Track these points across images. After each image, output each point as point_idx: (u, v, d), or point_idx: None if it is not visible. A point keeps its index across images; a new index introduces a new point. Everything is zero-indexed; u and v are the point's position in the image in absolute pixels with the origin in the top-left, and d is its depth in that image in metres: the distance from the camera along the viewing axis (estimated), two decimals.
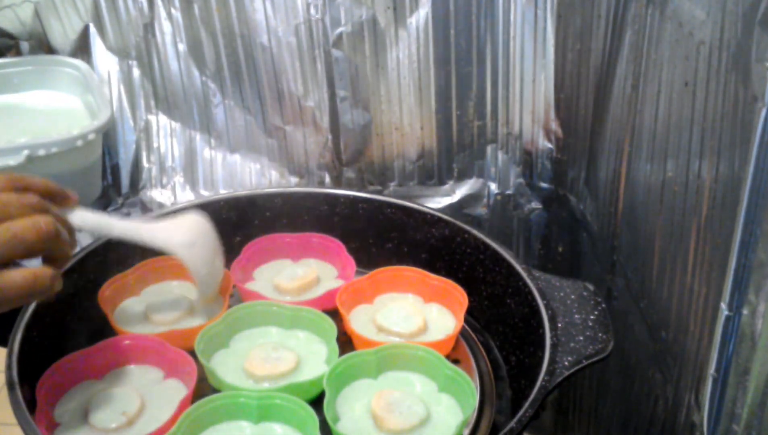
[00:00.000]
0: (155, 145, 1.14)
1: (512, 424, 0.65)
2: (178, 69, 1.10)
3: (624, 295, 0.91)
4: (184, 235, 0.78)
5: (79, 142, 0.84)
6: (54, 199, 0.64)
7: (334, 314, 0.83)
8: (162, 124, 1.13)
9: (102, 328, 0.81)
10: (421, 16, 1.04)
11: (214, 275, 0.81)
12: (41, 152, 0.81)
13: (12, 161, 0.81)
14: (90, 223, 0.70)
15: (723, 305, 0.60)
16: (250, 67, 1.09)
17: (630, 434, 0.92)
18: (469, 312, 0.86)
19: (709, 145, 0.64)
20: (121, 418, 0.70)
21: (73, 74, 1.05)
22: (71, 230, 0.66)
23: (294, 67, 1.08)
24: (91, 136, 0.85)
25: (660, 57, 0.75)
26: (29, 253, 0.58)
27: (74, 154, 0.84)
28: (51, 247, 0.60)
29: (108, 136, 1.12)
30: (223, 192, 1.14)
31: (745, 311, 0.59)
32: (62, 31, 1.08)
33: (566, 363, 0.72)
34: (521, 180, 1.14)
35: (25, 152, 0.81)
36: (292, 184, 1.15)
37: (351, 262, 0.91)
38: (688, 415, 0.72)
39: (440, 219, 0.93)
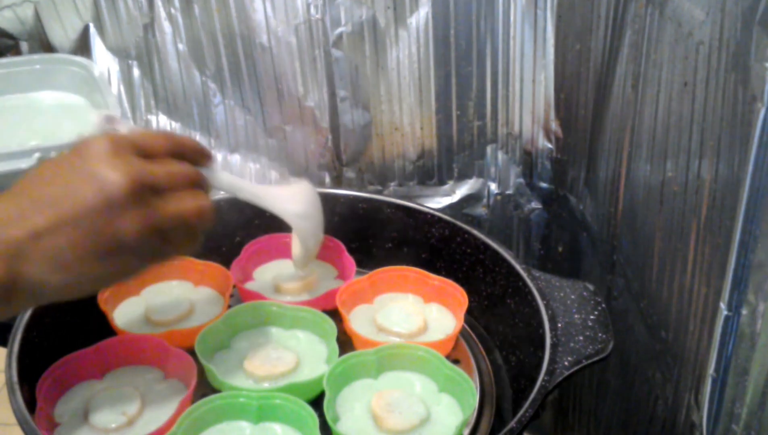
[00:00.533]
0: None
1: (512, 424, 0.65)
2: (178, 69, 1.10)
3: (624, 295, 0.91)
4: (301, 206, 0.80)
5: None
6: (198, 158, 0.65)
7: (334, 314, 0.83)
8: (162, 123, 1.13)
9: (102, 328, 0.81)
10: (421, 16, 1.04)
11: (317, 245, 0.83)
12: (52, 154, 0.81)
13: (23, 164, 0.80)
14: (225, 183, 0.72)
15: (722, 305, 0.60)
16: (250, 67, 1.09)
17: (630, 434, 0.92)
18: (469, 312, 0.86)
19: (709, 145, 0.64)
20: (121, 418, 0.70)
21: (79, 73, 1.05)
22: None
23: (294, 67, 1.08)
24: None
25: (659, 57, 0.75)
26: (186, 234, 0.61)
27: None
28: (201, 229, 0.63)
29: None
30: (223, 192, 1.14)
31: (744, 311, 0.59)
32: (62, 31, 1.08)
33: (566, 363, 0.72)
34: (521, 180, 1.14)
35: (36, 155, 0.81)
36: None
37: (351, 262, 0.91)
38: (687, 414, 0.72)
39: (440, 219, 0.93)
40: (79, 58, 1.06)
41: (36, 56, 1.07)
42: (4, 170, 0.80)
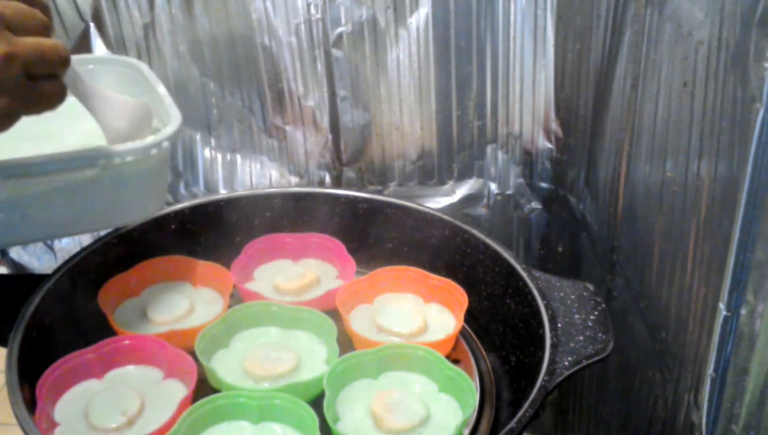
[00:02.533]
0: None
1: (512, 424, 0.65)
2: (179, 69, 1.10)
3: (624, 295, 0.91)
4: (124, 123, 0.78)
5: (154, 151, 0.81)
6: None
7: (334, 314, 0.83)
8: None
9: (102, 328, 0.81)
10: (421, 16, 1.04)
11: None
12: (116, 160, 0.79)
13: (88, 171, 0.79)
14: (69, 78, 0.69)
15: (721, 305, 0.60)
16: (251, 67, 1.09)
17: (630, 434, 0.92)
18: (469, 312, 0.86)
19: (708, 145, 0.64)
20: (121, 418, 0.70)
21: (127, 73, 1.01)
22: None
23: (294, 67, 1.08)
24: (165, 144, 0.82)
25: (659, 57, 0.75)
26: (47, 72, 0.62)
27: (148, 161, 0.81)
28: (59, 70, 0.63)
29: None
30: (223, 192, 1.14)
31: (743, 311, 0.59)
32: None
33: (566, 363, 0.72)
34: (521, 180, 1.14)
35: (101, 161, 0.79)
36: (292, 184, 1.15)
37: (351, 262, 0.91)
38: (687, 414, 0.72)
39: (440, 219, 0.93)
40: (129, 59, 1.03)
41: (87, 56, 1.04)
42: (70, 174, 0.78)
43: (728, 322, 0.60)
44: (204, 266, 0.90)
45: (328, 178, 1.15)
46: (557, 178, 1.12)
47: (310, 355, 0.80)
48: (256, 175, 1.15)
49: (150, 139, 0.80)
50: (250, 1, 1.04)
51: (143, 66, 1.00)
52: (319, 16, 1.04)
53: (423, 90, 1.08)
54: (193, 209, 0.95)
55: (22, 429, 0.65)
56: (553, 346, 0.73)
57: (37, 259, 1.18)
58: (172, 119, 0.83)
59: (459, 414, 0.73)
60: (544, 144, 1.11)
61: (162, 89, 0.93)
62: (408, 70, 1.07)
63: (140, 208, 0.86)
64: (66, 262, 0.83)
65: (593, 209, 1.02)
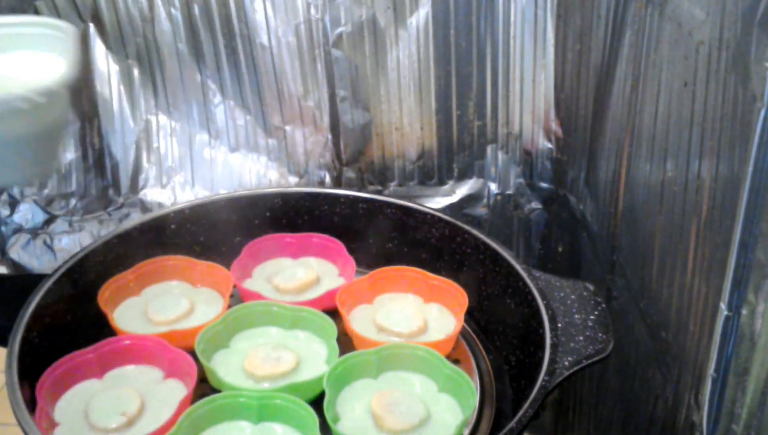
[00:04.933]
0: (155, 145, 1.14)
1: (512, 424, 0.65)
2: (178, 69, 1.10)
3: (624, 295, 0.91)
4: None
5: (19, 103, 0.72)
6: None
7: (334, 314, 0.83)
8: (162, 123, 1.13)
9: (102, 328, 0.81)
10: (421, 16, 1.04)
11: None
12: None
13: None
14: None
15: (722, 305, 0.60)
16: (250, 67, 1.08)
17: (630, 434, 0.92)
18: (469, 312, 0.86)
19: (709, 145, 0.64)
20: (121, 418, 0.70)
21: (57, 36, 0.95)
22: None
23: (294, 67, 1.08)
24: (55, 89, 0.70)
25: (659, 57, 0.75)
26: None
27: (37, 112, 0.69)
28: None
29: (108, 135, 1.12)
30: (223, 192, 1.14)
31: (744, 311, 0.59)
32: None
33: (566, 363, 0.72)
34: (521, 180, 1.14)
35: None
36: (292, 184, 1.15)
37: (351, 262, 0.91)
38: (687, 414, 0.72)
39: (440, 219, 0.93)
40: (58, 21, 0.96)
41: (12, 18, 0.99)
42: None
43: (729, 322, 0.60)
44: (204, 266, 0.90)
45: (328, 178, 1.15)
46: (557, 178, 1.12)
47: (310, 355, 0.80)
48: (256, 175, 1.15)
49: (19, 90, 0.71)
50: (250, 1, 1.04)
51: (69, 27, 0.92)
52: (319, 16, 1.04)
53: (423, 90, 1.08)
54: (193, 209, 0.95)
55: (22, 429, 0.65)
56: (553, 346, 0.73)
57: (37, 259, 1.17)
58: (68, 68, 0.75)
59: (459, 414, 0.73)
60: (544, 144, 1.11)
61: (75, 45, 0.84)
62: (408, 70, 1.07)
63: (18, 171, 0.75)
64: (66, 262, 0.83)
65: (593, 209, 1.02)
